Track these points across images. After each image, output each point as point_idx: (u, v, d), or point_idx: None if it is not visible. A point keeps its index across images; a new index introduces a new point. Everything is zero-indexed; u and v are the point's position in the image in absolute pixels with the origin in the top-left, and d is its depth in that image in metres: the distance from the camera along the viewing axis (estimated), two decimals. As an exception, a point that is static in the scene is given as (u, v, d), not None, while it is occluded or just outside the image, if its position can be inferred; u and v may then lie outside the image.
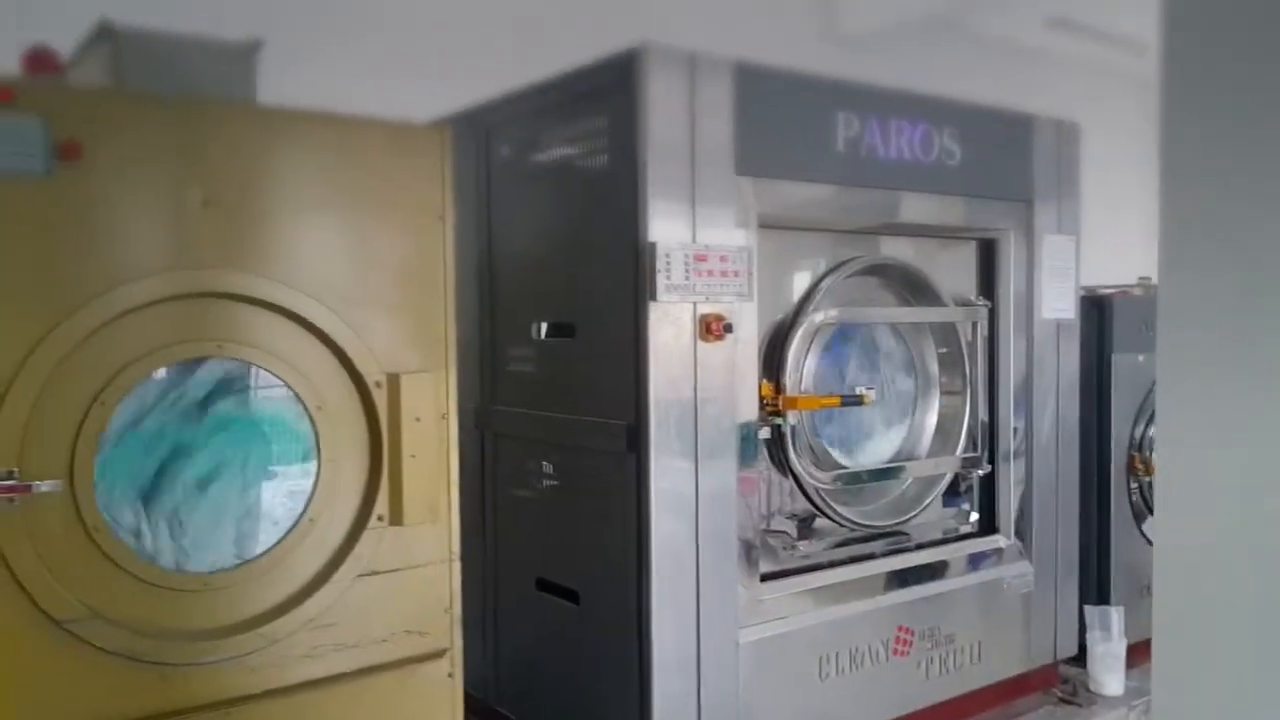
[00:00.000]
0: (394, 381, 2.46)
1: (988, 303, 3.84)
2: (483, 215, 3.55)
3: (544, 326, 3.25)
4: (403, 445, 2.46)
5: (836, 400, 3.34)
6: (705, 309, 2.96)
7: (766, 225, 3.21)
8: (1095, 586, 4.44)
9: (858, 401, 3.40)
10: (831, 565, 3.47)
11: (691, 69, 2.92)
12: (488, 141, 3.52)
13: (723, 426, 3.02)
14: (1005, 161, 3.83)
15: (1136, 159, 9.06)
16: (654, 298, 2.84)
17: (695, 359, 2.95)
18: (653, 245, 2.83)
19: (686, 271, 2.89)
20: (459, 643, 2.60)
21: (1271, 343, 0.91)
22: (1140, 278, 6.12)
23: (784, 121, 3.16)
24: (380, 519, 2.47)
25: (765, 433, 3.26)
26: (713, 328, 2.95)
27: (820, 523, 3.45)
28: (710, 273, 2.94)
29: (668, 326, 2.90)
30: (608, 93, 2.98)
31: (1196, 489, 1.01)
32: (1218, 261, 0.94)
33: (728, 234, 3.01)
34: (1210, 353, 0.95)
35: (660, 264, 2.83)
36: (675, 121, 2.90)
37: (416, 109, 2.90)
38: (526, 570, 3.40)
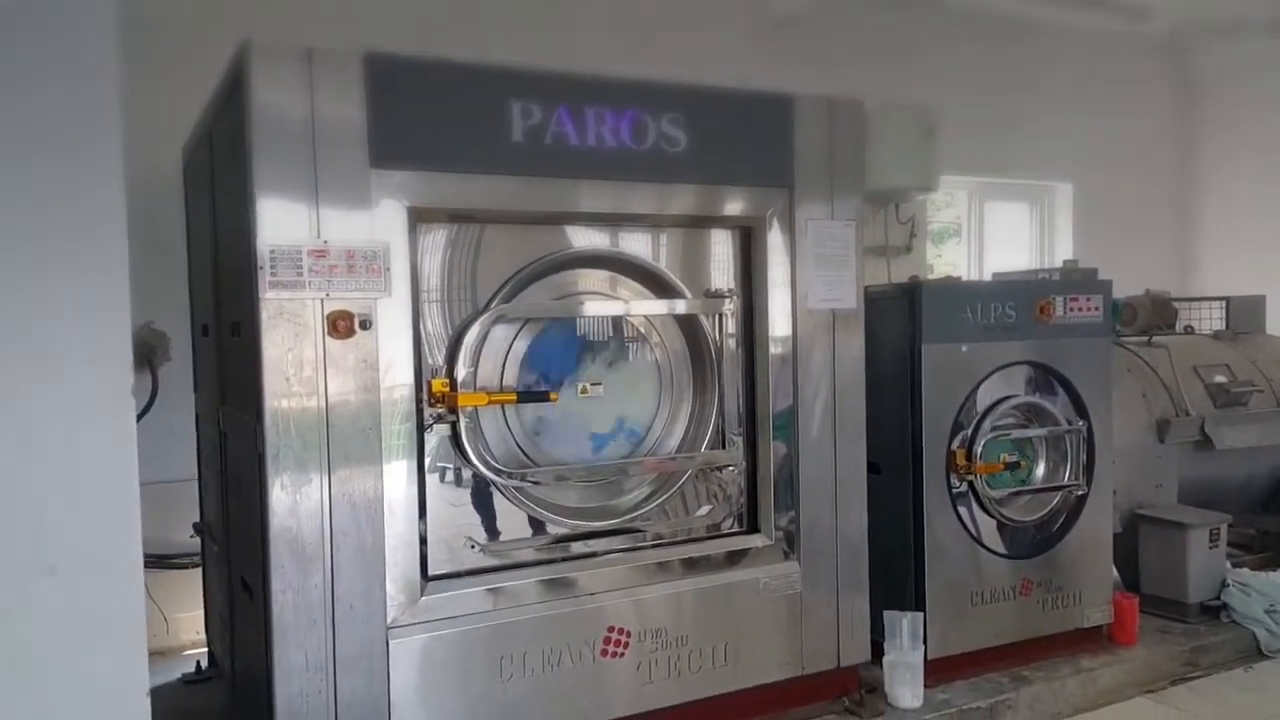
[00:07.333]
0: None
1: (726, 294, 3.66)
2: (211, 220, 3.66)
3: (207, 326, 3.28)
4: None
5: (512, 396, 3.25)
6: (333, 306, 2.93)
7: (436, 220, 3.18)
8: (913, 591, 4.21)
9: (541, 397, 3.29)
10: (537, 564, 3.39)
11: (308, 63, 2.88)
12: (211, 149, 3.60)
13: (361, 427, 2.98)
14: (753, 146, 3.64)
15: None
16: (260, 295, 2.83)
17: (324, 358, 2.92)
18: (254, 242, 2.82)
19: (300, 269, 2.86)
20: None
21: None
22: (1065, 261, 5.78)
23: (438, 112, 3.09)
24: None
25: (444, 429, 3.20)
26: (339, 325, 2.92)
27: (514, 521, 3.37)
28: (334, 269, 2.91)
29: (283, 324, 2.87)
30: (233, 92, 2.99)
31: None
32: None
33: (363, 228, 2.96)
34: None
35: (262, 261, 2.82)
36: (288, 118, 2.86)
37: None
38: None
